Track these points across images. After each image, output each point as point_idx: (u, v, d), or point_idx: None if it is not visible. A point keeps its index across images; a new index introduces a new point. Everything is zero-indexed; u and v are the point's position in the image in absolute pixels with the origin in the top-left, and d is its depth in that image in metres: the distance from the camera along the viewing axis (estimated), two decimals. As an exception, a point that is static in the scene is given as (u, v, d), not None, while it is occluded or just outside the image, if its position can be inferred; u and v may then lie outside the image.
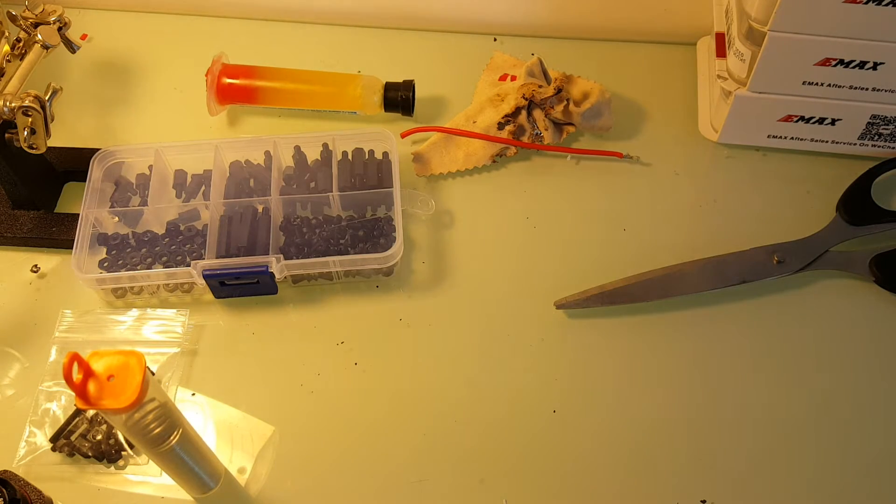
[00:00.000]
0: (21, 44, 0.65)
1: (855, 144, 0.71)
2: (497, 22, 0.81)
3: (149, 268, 0.66)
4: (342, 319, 0.65)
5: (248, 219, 0.67)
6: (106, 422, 0.60)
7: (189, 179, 0.71)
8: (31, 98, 0.61)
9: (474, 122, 0.74)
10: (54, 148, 0.71)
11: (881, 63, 0.63)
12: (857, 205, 0.68)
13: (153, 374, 0.61)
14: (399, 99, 0.74)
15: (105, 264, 0.67)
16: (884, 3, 0.58)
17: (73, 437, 0.59)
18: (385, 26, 0.82)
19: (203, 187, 0.70)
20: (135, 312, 0.65)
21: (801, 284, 0.66)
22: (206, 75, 0.73)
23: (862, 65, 0.63)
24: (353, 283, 0.67)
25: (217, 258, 0.65)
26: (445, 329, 0.65)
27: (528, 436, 0.60)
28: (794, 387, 0.62)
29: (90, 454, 0.59)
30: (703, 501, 0.57)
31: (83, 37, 0.80)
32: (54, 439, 0.59)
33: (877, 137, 0.70)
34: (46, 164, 0.70)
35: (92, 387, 0.44)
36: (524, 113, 0.73)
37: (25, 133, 0.62)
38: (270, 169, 0.70)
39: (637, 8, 0.79)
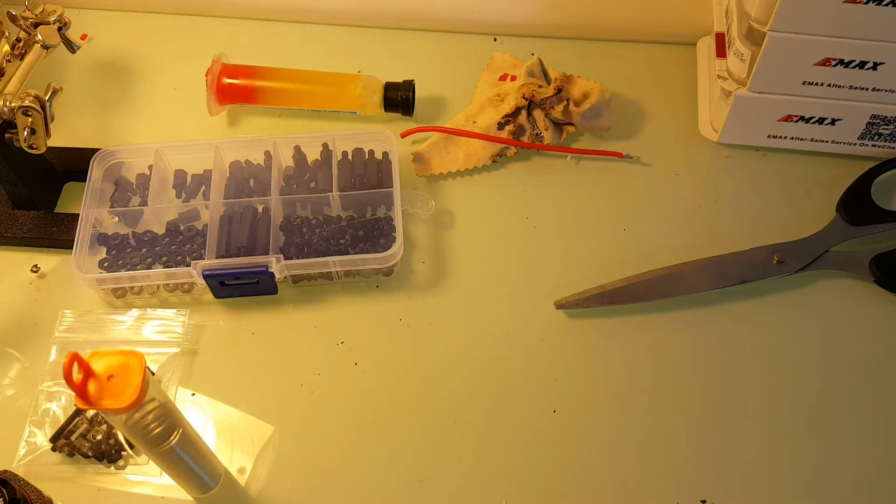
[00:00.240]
0: (21, 44, 0.65)
1: (855, 144, 0.71)
2: (497, 22, 0.81)
3: (149, 268, 0.66)
4: (342, 319, 0.65)
5: (248, 219, 0.67)
6: (106, 422, 0.60)
7: (189, 179, 0.71)
8: (31, 98, 0.61)
9: (474, 122, 0.74)
10: (54, 148, 0.71)
11: (881, 63, 0.63)
12: (857, 205, 0.68)
13: (153, 374, 0.61)
14: (399, 99, 0.74)
15: (105, 264, 0.67)
16: (884, 3, 0.58)
17: (73, 437, 0.59)
18: (385, 26, 0.82)
19: (203, 187, 0.70)
20: (135, 312, 0.65)
21: (801, 284, 0.66)
22: (206, 75, 0.73)
23: (862, 65, 0.63)
24: (353, 283, 0.67)
25: (217, 258, 0.65)
26: (445, 329, 0.65)
27: (528, 436, 0.60)
28: (794, 387, 0.62)
29: (90, 454, 0.59)
30: (703, 501, 0.57)
31: (83, 37, 0.80)
32: (54, 439, 0.59)
33: (877, 137, 0.70)
34: (46, 164, 0.70)
35: (92, 387, 0.44)
36: (524, 113, 0.73)
37: (25, 133, 0.62)
38: (270, 169, 0.70)
39: (637, 8, 0.79)
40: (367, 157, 0.71)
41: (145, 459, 0.59)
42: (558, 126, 0.74)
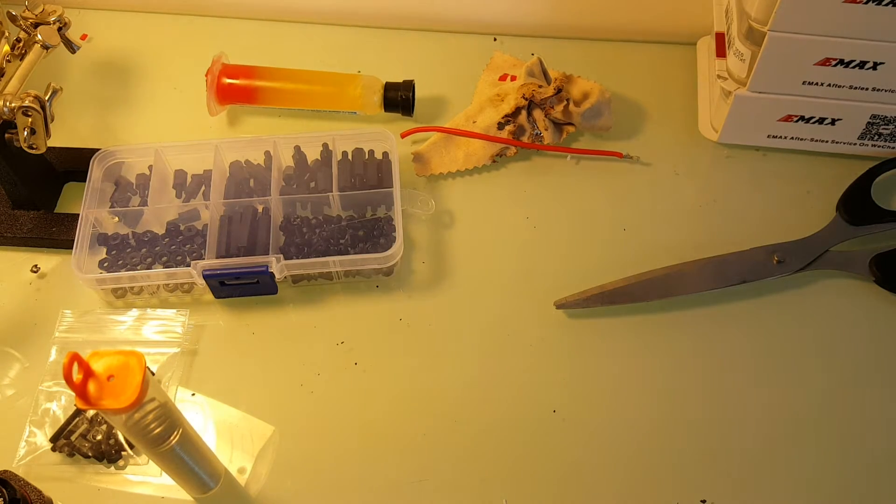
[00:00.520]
0: (21, 44, 0.65)
1: (855, 144, 0.71)
2: (497, 22, 0.81)
3: (149, 268, 0.66)
4: (342, 319, 0.65)
5: (248, 219, 0.67)
6: (106, 422, 0.60)
7: (189, 179, 0.71)
8: (31, 98, 0.61)
9: (474, 122, 0.74)
10: (54, 148, 0.71)
11: (881, 63, 0.63)
12: (857, 205, 0.68)
13: (153, 374, 0.61)
14: (399, 99, 0.74)
15: (105, 264, 0.67)
16: (884, 3, 0.58)
17: (73, 437, 0.59)
18: (385, 26, 0.82)
19: (203, 187, 0.70)
20: (135, 312, 0.65)
21: (801, 284, 0.66)
22: (206, 75, 0.73)
23: (862, 65, 0.63)
24: (353, 283, 0.67)
25: (217, 258, 0.65)
26: (445, 329, 0.65)
27: (528, 436, 0.60)
28: (794, 387, 0.62)
29: (90, 454, 0.59)
30: (703, 501, 0.57)
31: (83, 37, 0.80)
32: (54, 439, 0.59)
33: (877, 137, 0.70)
34: (46, 164, 0.70)
35: (92, 387, 0.44)
36: (524, 113, 0.73)
37: (25, 133, 0.62)
38: (270, 169, 0.70)
39: (637, 8, 0.79)
40: (367, 157, 0.71)
41: (145, 459, 0.59)
42: (558, 126, 0.74)
